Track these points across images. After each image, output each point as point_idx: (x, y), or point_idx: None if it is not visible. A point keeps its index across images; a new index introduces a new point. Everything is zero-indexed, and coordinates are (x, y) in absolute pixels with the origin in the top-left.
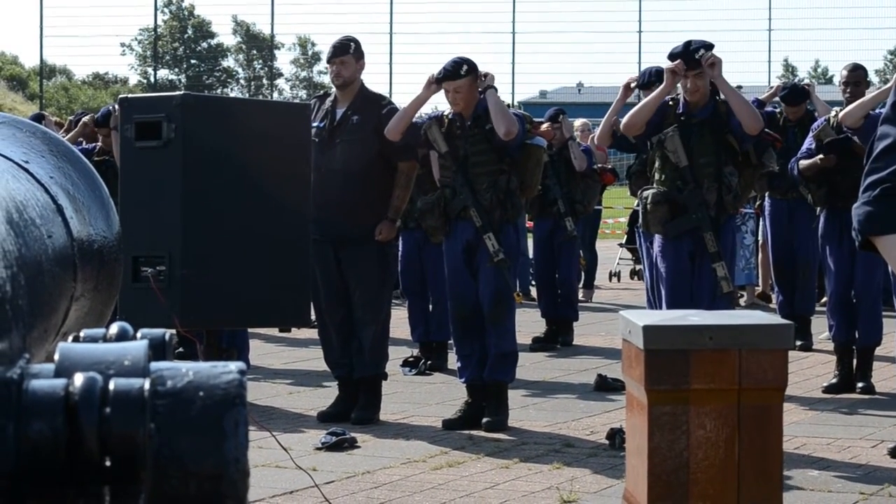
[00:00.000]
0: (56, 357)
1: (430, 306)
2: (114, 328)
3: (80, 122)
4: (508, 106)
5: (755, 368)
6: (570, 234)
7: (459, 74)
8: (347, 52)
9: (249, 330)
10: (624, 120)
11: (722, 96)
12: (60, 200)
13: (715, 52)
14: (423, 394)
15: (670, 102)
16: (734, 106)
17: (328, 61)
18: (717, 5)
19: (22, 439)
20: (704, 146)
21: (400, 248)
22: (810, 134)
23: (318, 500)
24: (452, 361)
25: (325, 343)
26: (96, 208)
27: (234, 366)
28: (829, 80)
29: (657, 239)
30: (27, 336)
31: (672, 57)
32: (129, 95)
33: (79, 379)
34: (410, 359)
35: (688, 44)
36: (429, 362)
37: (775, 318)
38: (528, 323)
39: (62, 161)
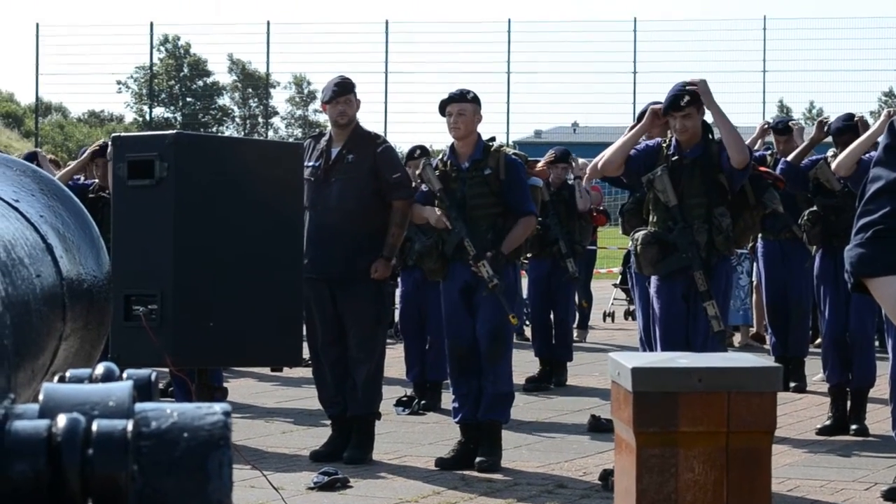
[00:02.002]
0: (40, 397)
1: (427, 346)
2: (99, 368)
3: (87, 152)
4: (503, 146)
5: (744, 411)
6: (571, 274)
7: (466, 98)
8: (352, 91)
9: (241, 368)
10: (602, 158)
11: (714, 135)
12: (50, 240)
13: (710, 92)
14: (417, 433)
15: (664, 143)
16: (723, 133)
17: (330, 101)
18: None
19: (4, 480)
20: (695, 186)
21: (399, 287)
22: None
23: None
24: (446, 401)
25: (319, 381)
26: (86, 247)
27: (218, 407)
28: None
29: (653, 280)
30: (12, 376)
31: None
32: (122, 134)
33: (62, 420)
34: (404, 398)
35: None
36: (422, 402)
37: (764, 361)
38: (522, 363)
39: (53, 200)
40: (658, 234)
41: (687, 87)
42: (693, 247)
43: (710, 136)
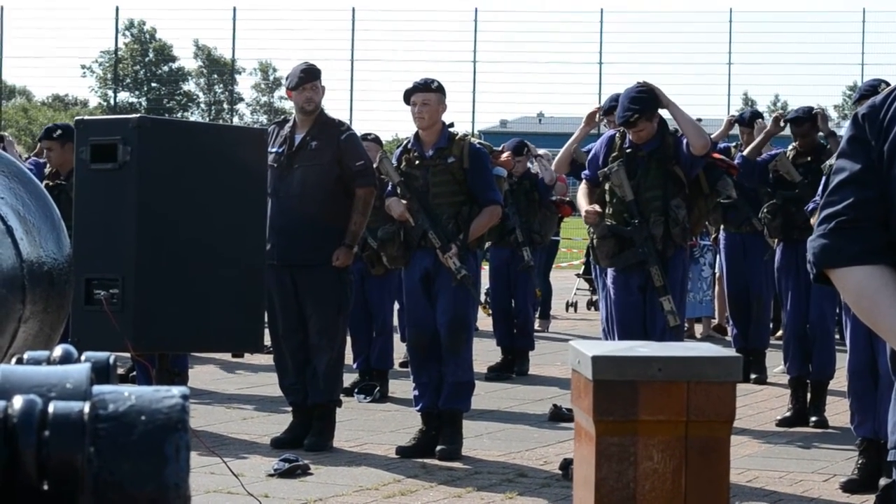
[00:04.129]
0: None
1: (374, 334)
2: (58, 351)
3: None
4: (467, 135)
5: (703, 401)
6: (526, 263)
7: (430, 88)
8: (318, 77)
9: (203, 354)
10: (555, 160)
11: (669, 126)
12: (10, 221)
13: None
14: (378, 421)
15: (616, 136)
16: (680, 124)
17: (296, 87)
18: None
19: None
20: (651, 179)
21: None
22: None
23: None
24: (392, 389)
25: (280, 369)
26: (47, 230)
27: (176, 390)
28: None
29: (609, 272)
30: None
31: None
32: (85, 117)
33: (18, 401)
34: (364, 385)
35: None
36: (378, 388)
37: (724, 351)
38: (484, 352)
39: (14, 182)
40: (614, 228)
41: (636, 95)
42: (649, 241)
43: (665, 129)
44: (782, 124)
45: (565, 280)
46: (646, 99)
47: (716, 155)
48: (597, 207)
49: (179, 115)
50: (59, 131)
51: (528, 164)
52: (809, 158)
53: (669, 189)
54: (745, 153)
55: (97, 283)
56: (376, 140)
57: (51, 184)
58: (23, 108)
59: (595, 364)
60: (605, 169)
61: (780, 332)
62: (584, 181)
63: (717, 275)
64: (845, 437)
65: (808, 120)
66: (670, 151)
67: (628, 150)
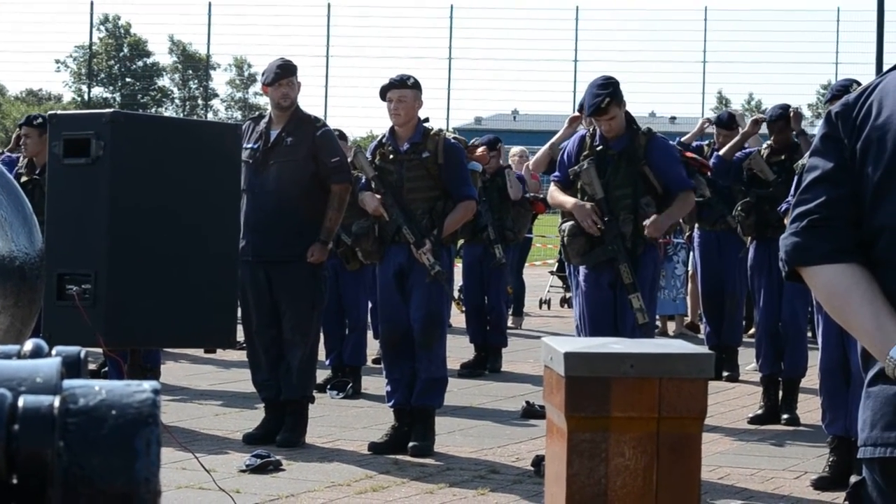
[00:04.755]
0: None
1: (347, 331)
2: (28, 345)
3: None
4: (442, 130)
5: (675, 397)
6: (498, 261)
7: (406, 84)
8: (294, 73)
9: (176, 350)
10: (533, 160)
11: (640, 126)
12: None
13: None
14: (350, 417)
15: (585, 136)
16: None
17: (272, 83)
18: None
19: None
20: (620, 178)
21: None
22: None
23: None
24: (366, 386)
25: (254, 364)
26: (19, 224)
27: (147, 385)
28: (763, 113)
29: (581, 269)
30: None
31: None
32: (58, 112)
33: None
34: (336, 382)
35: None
36: (350, 384)
37: (696, 348)
38: (457, 349)
39: None
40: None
41: (603, 83)
42: (618, 239)
43: (635, 127)
44: (761, 126)
45: (539, 277)
46: (613, 84)
47: (689, 154)
48: (587, 204)
49: (154, 110)
50: (39, 119)
51: (501, 162)
52: (783, 157)
53: (639, 187)
54: (721, 153)
55: (69, 279)
56: (341, 136)
57: (25, 178)
58: None
59: (567, 360)
60: (576, 167)
61: (752, 330)
62: (553, 183)
63: (691, 272)
64: (816, 435)
65: (782, 117)
66: (641, 152)
67: (598, 149)
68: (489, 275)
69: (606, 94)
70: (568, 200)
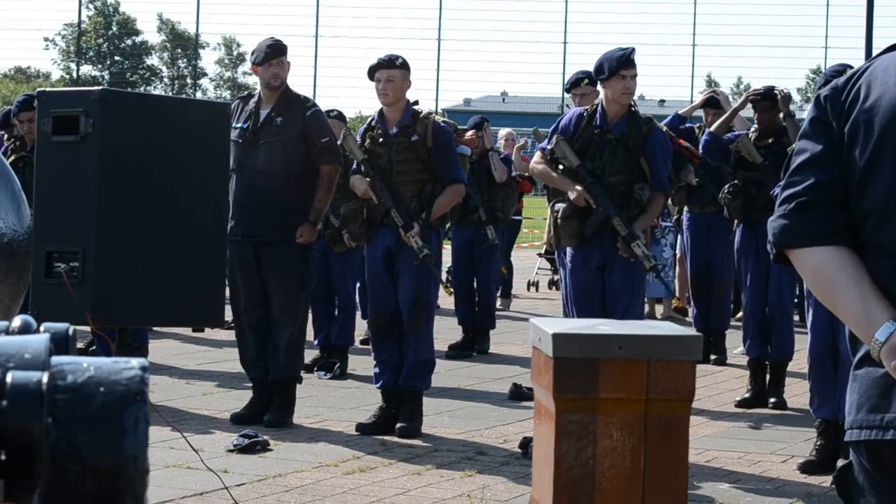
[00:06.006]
0: None
1: (336, 311)
2: (17, 321)
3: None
4: (431, 113)
5: (663, 379)
6: (491, 242)
7: (394, 64)
8: (284, 53)
9: (164, 329)
10: (534, 171)
11: (639, 108)
12: None
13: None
14: (338, 398)
15: (584, 114)
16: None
17: (262, 62)
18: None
19: None
20: (616, 164)
21: None
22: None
23: (228, 502)
24: (354, 366)
25: (242, 344)
26: (7, 201)
27: (136, 362)
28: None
29: (568, 252)
30: None
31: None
32: (48, 89)
33: None
34: (324, 362)
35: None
36: (338, 365)
37: (685, 330)
38: (445, 330)
39: None
40: (578, 207)
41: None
42: (605, 197)
43: (635, 112)
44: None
45: (527, 259)
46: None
47: (681, 141)
48: (586, 195)
49: (142, 89)
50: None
51: (486, 145)
52: (771, 140)
53: (634, 175)
54: (712, 129)
55: (57, 256)
56: (339, 116)
57: (15, 156)
58: None
59: (556, 341)
60: (550, 146)
61: (740, 314)
62: (539, 152)
63: (678, 256)
64: (804, 419)
65: (767, 97)
66: (640, 142)
67: (597, 131)
68: (480, 256)
69: (631, 49)
70: (566, 185)
